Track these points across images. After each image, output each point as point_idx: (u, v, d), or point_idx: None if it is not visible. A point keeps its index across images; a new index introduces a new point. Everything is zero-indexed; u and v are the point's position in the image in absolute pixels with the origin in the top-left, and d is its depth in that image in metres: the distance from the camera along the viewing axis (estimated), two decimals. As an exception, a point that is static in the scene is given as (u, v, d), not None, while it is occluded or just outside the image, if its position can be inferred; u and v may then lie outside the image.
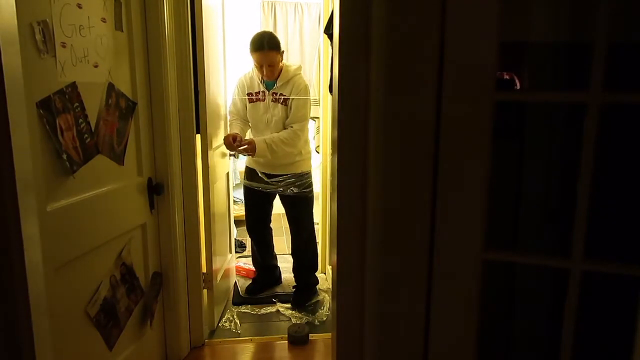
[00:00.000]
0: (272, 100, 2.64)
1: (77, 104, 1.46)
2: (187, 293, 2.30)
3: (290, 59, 4.93)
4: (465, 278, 0.76)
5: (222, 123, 2.79)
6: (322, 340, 2.54)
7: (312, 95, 3.53)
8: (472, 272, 0.75)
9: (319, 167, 3.38)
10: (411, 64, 0.72)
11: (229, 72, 2.94)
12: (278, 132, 2.66)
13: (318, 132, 3.46)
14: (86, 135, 1.51)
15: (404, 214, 0.76)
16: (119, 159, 1.74)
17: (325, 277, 3.41)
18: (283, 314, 2.79)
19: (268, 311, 2.82)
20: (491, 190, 0.73)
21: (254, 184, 2.80)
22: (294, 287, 2.99)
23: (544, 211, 1.03)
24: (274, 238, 3.08)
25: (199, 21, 2.17)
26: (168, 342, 2.22)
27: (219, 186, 2.64)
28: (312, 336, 2.56)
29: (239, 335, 2.57)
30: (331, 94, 2.66)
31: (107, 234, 1.68)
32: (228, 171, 2.97)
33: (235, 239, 3.53)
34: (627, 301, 0.77)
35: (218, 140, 2.63)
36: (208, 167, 2.36)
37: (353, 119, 0.79)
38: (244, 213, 2.96)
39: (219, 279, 2.60)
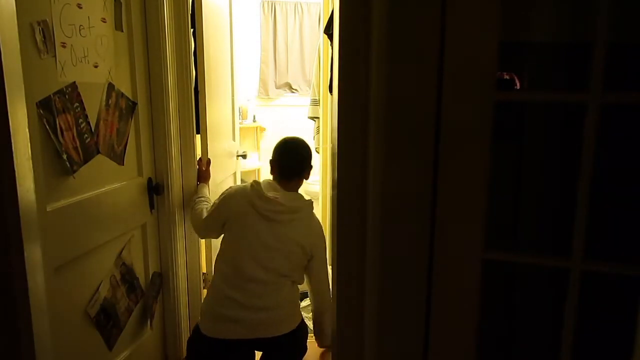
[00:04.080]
0: None
1: (77, 104, 1.46)
2: (187, 293, 2.30)
3: (290, 58, 4.94)
4: (465, 278, 0.76)
5: (229, 124, 2.78)
6: (322, 341, 2.53)
7: (312, 95, 3.53)
8: (472, 272, 0.75)
9: (319, 169, 3.38)
10: (411, 64, 0.72)
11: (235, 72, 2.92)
12: None
13: (318, 132, 3.46)
14: (86, 135, 1.51)
15: (404, 214, 0.76)
16: (119, 159, 1.74)
17: (325, 277, 3.41)
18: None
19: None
20: (491, 190, 0.73)
21: None
22: None
23: (544, 211, 1.03)
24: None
25: (199, 21, 2.17)
26: (168, 342, 2.22)
27: (223, 187, 2.63)
28: (312, 336, 2.56)
29: (239, 335, 2.56)
30: (331, 94, 2.65)
31: (107, 234, 1.68)
32: (235, 171, 2.96)
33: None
34: (627, 301, 0.77)
35: (222, 141, 2.62)
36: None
37: (353, 119, 0.79)
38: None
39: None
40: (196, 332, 1.82)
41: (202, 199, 2.11)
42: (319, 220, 1.94)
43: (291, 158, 1.91)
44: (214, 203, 1.92)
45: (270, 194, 1.79)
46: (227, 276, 1.78)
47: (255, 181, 1.86)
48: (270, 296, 1.75)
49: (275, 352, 1.84)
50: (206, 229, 1.98)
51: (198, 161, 2.28)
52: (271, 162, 1.93)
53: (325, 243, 1.95)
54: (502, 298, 1.04)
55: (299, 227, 1.81)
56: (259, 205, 1.77)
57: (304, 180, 1.95)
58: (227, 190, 1.93)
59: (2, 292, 1.14)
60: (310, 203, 1.88)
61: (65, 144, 1.40)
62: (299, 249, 1.81)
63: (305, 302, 3.03)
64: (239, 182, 3.07)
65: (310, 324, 2.74)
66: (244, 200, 1.81)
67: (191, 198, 2.16)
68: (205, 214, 1.94)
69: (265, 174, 4.83)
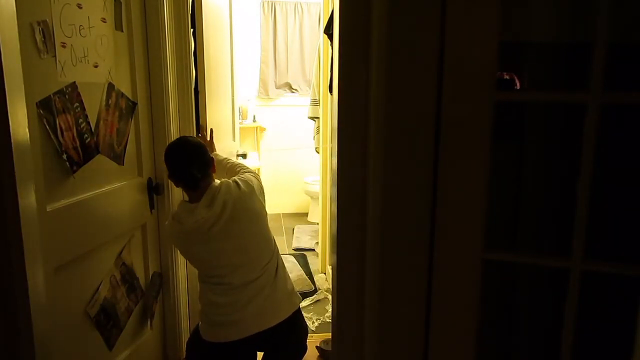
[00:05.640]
0: None
1: (77, 104, 1.46)
2: (187, 293, 2.30)
3: (290, 58, 4.94)
4: (465, 278, 0.76)
5: (229, 124, 2.78)
6: (322, 341, 2.54)
7: (312, 95, 3.53)
8: (472, 272, 0.75)
9: (319, 169, 3.38)
10: (411, 64, 0.72)
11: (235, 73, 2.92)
12: None
13: (318, 132, 3.46)
14: (86, 135, 1.51)
15: (404, 214, 0.76)
16: (119, 159, 1.74)
17: (325, 277, 3.42)
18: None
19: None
20: (491, 190, 0.73)
21: None
22: None
23: (544, 211, 1.03)
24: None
25: (199, 21, 2.17)
26: (168, 342, 2.22)
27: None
28: (312, 336, 2.56)
29: (239, 335, 2.56)
30: (331, 94, 2.65)
31: (107, 234, 1.68)
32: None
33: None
34: (627, 301, 0.77)
35: (222, 141, 2.62)
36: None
37: (353, 119, 0.79)
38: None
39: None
40: (195, 335, 1.81)
41: (227, 158, 2.06)
42: (237, 180, 1.74)
43: (182, 165, 1.67)
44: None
45: (190, 224, 1.65)
46: (213, 288, 1.73)
47: (169, 224, 1.74)
48: (258, 292, 1.72)
49: (276, 351, 1.84)
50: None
51: (200, 134, 2.19)
52: (169, 177, 1.74)
53: (248, 180, 1.77)
54: (502, 298, 1.04)
55: (238, 214, 1.67)
56: (192, 237, 1.68)
57: (213, 172, 1.76)
58: (166, 233, 1.95)
59: (2, 292, 1.14)
60: (223, 185, 1.70)
61: (65, 144, 1.40)
62: (258, 217, 1.73)
63: (306, 302, 3.04)
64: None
65: (310, 324, 2.74)
66: (178, 239, 1.74)
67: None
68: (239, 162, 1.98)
69: (265, 174, 4.84)
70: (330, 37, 2.55)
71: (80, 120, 1.48)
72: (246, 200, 1.71)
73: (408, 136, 0.74)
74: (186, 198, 1.76)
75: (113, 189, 1.69)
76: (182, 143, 1.75)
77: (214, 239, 1.66)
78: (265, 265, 1.75)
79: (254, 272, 1.72)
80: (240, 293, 1.70)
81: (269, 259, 1.76)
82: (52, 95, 1.34)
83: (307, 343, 1.94)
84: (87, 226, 1.54)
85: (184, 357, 2.27)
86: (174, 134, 2.08)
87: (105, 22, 1.61)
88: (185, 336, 2.29)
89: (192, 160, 1.67)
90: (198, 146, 1.73)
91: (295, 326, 1.83)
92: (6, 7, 1.07)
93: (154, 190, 2.00)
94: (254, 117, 4.90)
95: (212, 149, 2.17)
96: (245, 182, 1.75)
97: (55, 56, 1.35)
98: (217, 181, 1.76)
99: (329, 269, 3.32)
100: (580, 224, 0.71)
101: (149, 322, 1.99)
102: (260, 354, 1.88)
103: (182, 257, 2.22)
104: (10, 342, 1.17)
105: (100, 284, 1.63)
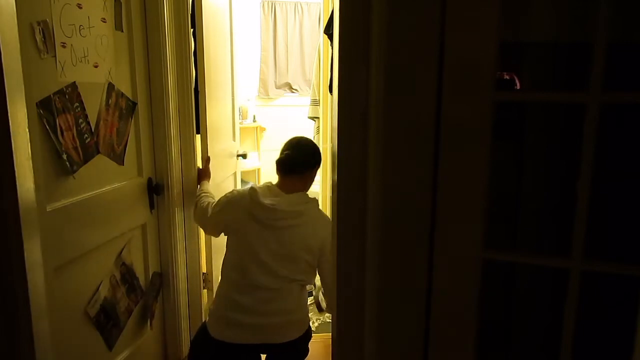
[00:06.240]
0: None
1: (77, 104, 1.46)
2: (187, 293, 2.30)
3: (290, 58, 4.94)
4: (465, 277, 0.76)
5: (229, 124, 2.78)
6: (322, 341, 2.53)
7: (312, 95, 3.53)
8: (472, 271, 0.75)
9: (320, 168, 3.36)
10: (411, 64, 0.72)
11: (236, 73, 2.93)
12: None
13: (318, 132, 3.46)
14: (86, 135, 1.51)
15: (404, 214, 0.76)
16: (119, 159, 1.74)
17: (325, 277, 3.41)
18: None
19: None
20: (491, 190, 0.73)
21: None
22: None
23: (544, 211, 1.03)
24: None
25: (199, 21, 2.17)
26: (168, 342, 2.22)
27: (224, 186, 2.64)
28: (312, 336, 2.55)
29: (239, 335, 2.55)
30: (331, 94, 2.65)
31: (107, 234, 1.68)
32: (235, 171, 2.96)
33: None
34: (627, 301, 0.77)
35: (222, 142, 2.62)
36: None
37: (353, 119, 0.79)
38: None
39: (219, 278, 2.59)
40: (202, 335, 1.80)
41: (207, 194, 2.09)
42: (326, 216, 1.87)
43: (289, 153, 1.86)
44: (217, 204, 1.89)
45: (267, 201, 1.72)
46: (234, 282, 1.74)
47: (252, 188, 1.79)
48: (279, 302, 1.72)
49: (281, 355, 1.84)
50: (208, 228, 2.01)
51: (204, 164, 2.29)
52: (279, 156, 1.89)
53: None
54: (502, 298, 1.04)
55: (303, 229, 1.75)
56: (257, 214, 1.72)
57: (310, 180, 1.88)
58: (227, 195, 1.89)
59: (2, 292, 1.14)
60: (313, 201, 1.82)
61: (65, 144, 1.40)
62: (307, 252, 1.75)
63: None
64: (239, 182, 3.05)
65: (310, 324, 2.73)
66: (242, 209, 1.76)
67: (195, 194, 2.15)
68: (210, 212, 1.91)
69: (265, 174, 4.83)
70: (330, 37, 2.55)
71: (80, 120, 1.48)
72: (317, 231, 1.75)
73: (408, 136, 0.74)
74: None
75: (113, 189, 1.69)
76: (304, 141, 1.93)
77: (269, 230, 1.71)
78: (291, 280, 1.75)
79: (276, 282, 1.72)
80: (257, 296, 1.70)
81: (294, 278, 1.76)
82: (52, 95, 1.34)
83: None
84: (87, 226, 1.54)
85: (185, 356, 2.27)
86: (174, 134, 2.09)
87: (105, 22, 1.61)
88: (185, 336, 2.29)
89: (309, 153, 1.86)
90: (318, 151, 1.91)
91: (305, 337, 1.86)
92: (6, 7, 1.07)
93: (154, 190, 2.00)
94: (254, 117, 4.90)
95: (208, 175, 2.27)
96: (325, 239, 1.76)
97: (55, 56, 1.35)
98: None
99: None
100: (580, 223, 0.71)
101: (149, 322, 1.99)
102: (263, 355, 1.88)
103: (182, 257, 2.23)
104: (10, 342, 1.17)
105: (100, 284, 1.63)
